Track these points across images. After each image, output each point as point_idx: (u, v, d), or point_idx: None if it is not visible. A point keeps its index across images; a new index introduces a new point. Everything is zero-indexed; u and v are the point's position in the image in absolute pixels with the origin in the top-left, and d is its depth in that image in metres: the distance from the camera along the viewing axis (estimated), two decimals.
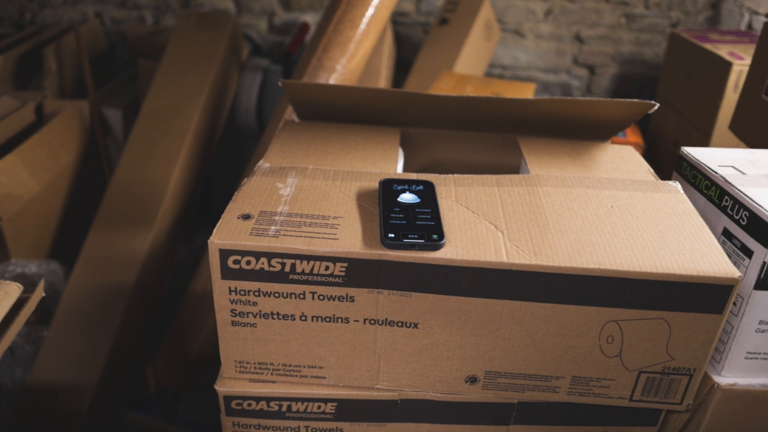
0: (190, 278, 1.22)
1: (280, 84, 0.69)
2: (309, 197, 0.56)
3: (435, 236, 0.50)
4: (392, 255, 0.49)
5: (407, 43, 1.84)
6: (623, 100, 0.68)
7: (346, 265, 0.50)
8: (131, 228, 1.15)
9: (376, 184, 0.58)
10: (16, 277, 1.05)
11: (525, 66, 1.87)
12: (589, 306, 0.51)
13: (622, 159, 0.69)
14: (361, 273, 0.50)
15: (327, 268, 0.50)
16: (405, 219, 0.52)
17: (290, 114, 1.14)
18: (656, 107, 0.67)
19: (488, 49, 1.67)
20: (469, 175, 0.61)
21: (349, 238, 0.51)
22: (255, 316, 0.53)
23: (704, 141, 1.31)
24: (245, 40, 1.64)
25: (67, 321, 1.06)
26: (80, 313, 1.07)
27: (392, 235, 0.50)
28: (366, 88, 0.69)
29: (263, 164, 0.62)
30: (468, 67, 1.53)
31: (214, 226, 0.51)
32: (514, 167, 0.76)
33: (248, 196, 0.56)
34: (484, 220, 0.54)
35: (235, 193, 0.56)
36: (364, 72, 1.42)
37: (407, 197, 0.55)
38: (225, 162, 1.54)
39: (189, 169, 1.26)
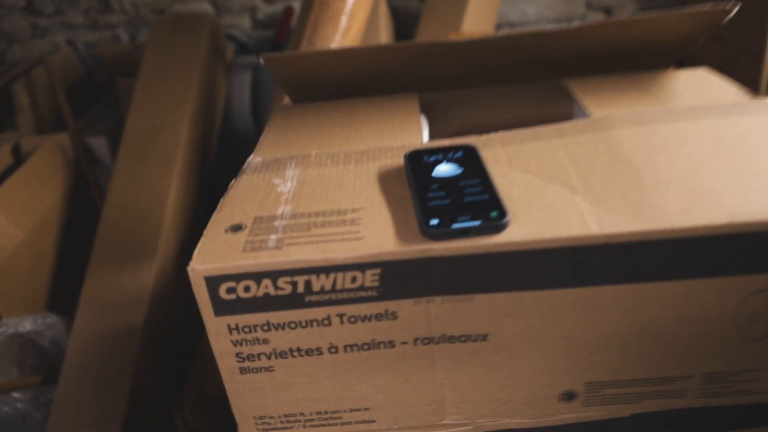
0: None
1: (261, 60, 0.55)
2: (317, 189, 0.43)
3: (494, 213, 0.36)
4: (440, 248, 0.36)
5: (404, 15, 1.69)
6: (691, 10, 0.54)
7: (379, 271, 0.36)
8: (132, 263, 1.03)
9: (400, 161, 0.45)
10: (10, 338, 0.93)
11: (535, 20, 1.71)
12: (718, 277, 0.37)
13: (701, 83, 0.55)
14: (401, 279, 0.37)
15: (354, 279, 0.37)
16: (448, 197, 0.39)
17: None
18: (736, 9, 0.53)
19: (493, 7, 1.52)
20: (518, 131, 0.47)
21: (378, 234, 0.37)
22: (269, 357, 0.39)
23: (756, 64, 1.15)
24: (230, 40, 1.51)
25: (76, 378, 0.94)
26: (89, 367, 0.95)
27: (436, 221, 0.36)
28: (369, 47, 0.55)
29: (254, 159, 0.49)
30: (476, 29, 1.38)
31: None
32: (565, 119, 0.62)
33: (237, 201, 0.42)
34: (553, 183, 0.40)
35: (221, 201, 0.43)
36: None
37: (445, 169, 0.42)
38: (227, 171, 1.41)
39: (186, 186, 1.13)
